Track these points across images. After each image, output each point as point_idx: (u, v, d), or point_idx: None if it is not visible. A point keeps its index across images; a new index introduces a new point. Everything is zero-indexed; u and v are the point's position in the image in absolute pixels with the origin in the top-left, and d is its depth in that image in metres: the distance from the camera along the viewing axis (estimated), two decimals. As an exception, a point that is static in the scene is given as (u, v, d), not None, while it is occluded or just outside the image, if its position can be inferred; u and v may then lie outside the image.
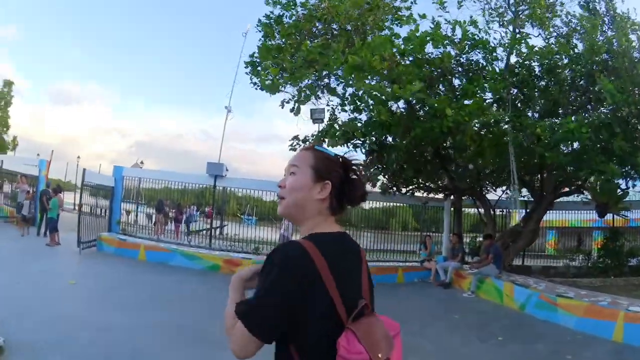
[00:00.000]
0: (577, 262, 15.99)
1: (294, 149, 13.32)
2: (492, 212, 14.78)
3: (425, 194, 15.72)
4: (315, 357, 1.38)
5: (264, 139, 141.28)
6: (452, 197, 15.24)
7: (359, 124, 12.40)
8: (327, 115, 13.88)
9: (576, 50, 12.29)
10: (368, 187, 12.70)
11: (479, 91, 11.30)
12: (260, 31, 12.95)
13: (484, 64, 12.25)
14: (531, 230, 13.32)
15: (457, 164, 14.37)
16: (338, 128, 12.64)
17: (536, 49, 11.89)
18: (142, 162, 32.52)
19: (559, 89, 12.27)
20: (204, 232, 17.75)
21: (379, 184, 13.88)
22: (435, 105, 10.49)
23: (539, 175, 13.85)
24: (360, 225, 17.32)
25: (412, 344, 6.62)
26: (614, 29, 12.14)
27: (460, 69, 12.51)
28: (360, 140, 12.60)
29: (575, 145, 11.32)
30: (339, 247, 1.52)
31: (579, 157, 10.97)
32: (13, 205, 18.44)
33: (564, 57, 12.18)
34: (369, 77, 11.06)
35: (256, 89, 13.58)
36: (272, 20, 12.72)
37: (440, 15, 11.77)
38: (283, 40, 12.54)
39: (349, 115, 13.00)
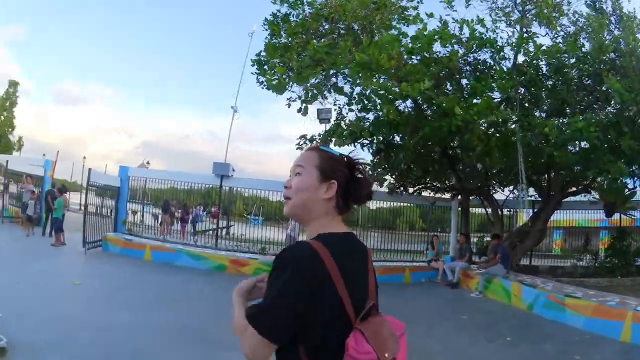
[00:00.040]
0: (585, 262, 15.93)
1: (301, 148, 13.34)
2: (499, 212, 14.74)
3: (432, 194, 15.71)
4: (324, 357, 1.38)
5: (270, 139, 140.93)
6: (459, 197, 15.21)
7: (367, 123, 12.38)
8: (334, 115, 13.85)
9: (584, 50, 12.24)
10: (375, 186, 12.87)
11: (487, 90, 11.24)
12: (266, 29, 12.89)
13: (492, 63, 12.21)
14: (539, 230, 13.28)
15: (465, 164, 14.35)
16: (345, 127, 12.62)
17: (544, 48, 11.83)
18: (148, 162, 32.69)
19: (566, 88, 12.20)
20: (210, 232, 17.71)
21: (386, 183, 13.87)
22: (444, 104, 10.43)
23: (546, 175, 13.81)
24: (367, 225, 17.30)
25: (419, 344, 6.61)
26: (620, 28, 12.10)
27: (468, 68, 12.47)
28: (367, 140, 12.59)
29: (583, 144, 11.28)
30: (346, 247, 1.52)
31: (587, 157, 10.91)
32: (18, 205, 18.44)
33: (571, 56, 12.12)
34: (377, 75, 11.02)
35: (262, 88, 13.47)
36: (279, 19, 12.64)
37: (448, 14, 11.72)
38: (290, 39, 12.50)
39: (356, 114, 12.97)
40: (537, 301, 9.68)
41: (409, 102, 12.25)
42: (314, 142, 13.46)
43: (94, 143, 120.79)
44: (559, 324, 8.64)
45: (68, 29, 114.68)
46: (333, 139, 12.51)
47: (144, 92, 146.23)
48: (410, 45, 10.99)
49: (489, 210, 15.05)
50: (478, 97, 11.03)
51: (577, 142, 11.19)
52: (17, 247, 13.39)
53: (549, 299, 9.36)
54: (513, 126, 11.89)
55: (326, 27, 12.68)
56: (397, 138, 13.03)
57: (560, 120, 11.83)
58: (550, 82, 12.69)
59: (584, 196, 14.01)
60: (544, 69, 12.64)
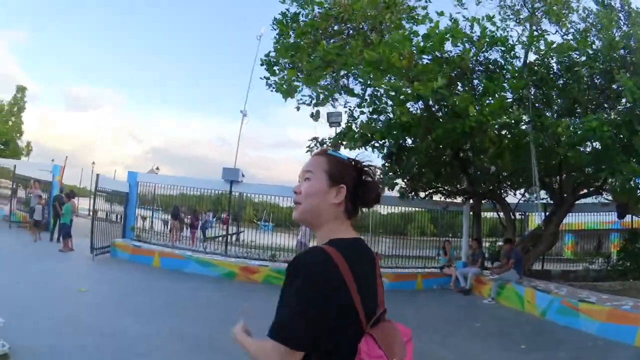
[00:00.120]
0: (597, 266, 15.77)
1: (312, 151, 13.28)
2: (512, 216, 14.64)
3: (443, 198, 15.63)
4: None
5: (279, 144, 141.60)
6: (471, 201, 15.12)
7: (379, 125, 12.28)
8: (344, 117, 13.77)
9: (594, 47, 12.12)
10: (385, 190, 12.80)
11: (499, 90, 11.11)
12: (275, 29, 12.82)
13: (502, 62, 12.10)
14: (551, 233, 13.14)
15: (476, 167, 14.25)
16: (356, 130, 12.57)
17: (554, 45, 11.71)
18: (157, 168, 32.69)
19: (577, 87, 12.07)
20: (220, 238, 17.65)
21: (397, 187, 13.81)
22: (457, 103, 10.32)
23: (557, 177, 13.67)
24: (378, 231, 17.24)
25: (433, 352, 6.61)
26: (629, 24, 12.02)
27: (479, 67, 12.35)
28: (379, 143, 12.54)
29: (595, 144, 11.17)
30: (356, 252, 1.52)
31: (600, 157, 10.81)
32: (26, 210, 18.48)
33: (582, 53, 11.99)
34: (388, 75, 10.92)
35: (272, 91, 13.43)
36: (288, 18, 12.56)
37: (459, 12, 11.65)
38: (299, 39, 12.41)
39: (368, 116, 12.87)
40: (550, 307, 9.57)
41: (420, 104, 12.18)
42: (325, 145, 13.49)
43: (103, 149, 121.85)
44: (572, 329, 8.56)
45: (79, 36, 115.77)
46: (344, 142, 12.48)
47: (154, 98, 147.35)
48: (421, 44, 10.86)
49: (501, 214, 14.93)
50: (490, 98, 10.92)
51: (589, 142, 11.07)
52: (25, 252, 13.37)
53: (562, 304, 9.24)
54: (525, 127, 11.82)
55: (335, 27, 12.62)
56: (409, 141, 12.95)
57: (573, 119, 11.73)
58: (561, 81, 12.56)
59: (595, 198, 13.89)
60: (555, 67, 12.53)
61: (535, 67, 12.19)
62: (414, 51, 10.75)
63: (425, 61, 11.22)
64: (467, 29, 11.38)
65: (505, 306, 10.99)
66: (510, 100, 11.83)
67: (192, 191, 17.24)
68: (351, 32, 12.59)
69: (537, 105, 12.22)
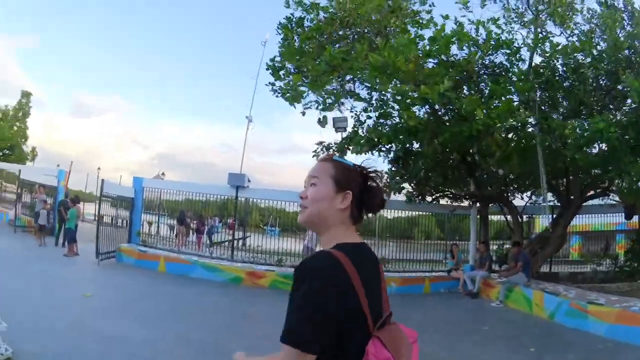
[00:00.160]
0: (604, 267, 15.67)
1: (318, 156, 13.32)
2: (519, 219, 14.58)
3: (450, 202, 15.58)
4: None
5: (284, 150, 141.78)
6: (477, 204, 15.06)
7: (385, 130, 12.25)
8: (350, 122, 13.73)
9: (599, 48, 12.07)
10: (391, 195, 12.79)
11: (506, 93, 11.04)
12: (280, 33, 12.77)
13: (508, 65, 12.03)
14: (559, 235, 13.08)
15: (483, 170, 14.21)
16: (363, 135, 12.55)
17: (560, 47, 11.65)
18: (163, 174, 32.80)
19: (583, 88, 12.02)
20: (226, 243, 17.62)
21: (404, 192, 13.76)
22: (465, 106, 10.27)
23: (564, 179, 13.61)
24: (384, 235, 17.20)
25: (441, 357, 6.61)
26: (633, 24, 11.98)
27: (485, 70, 12.30)
28: (385, 147, 12.51)
29: (603, 146, 11.11)
30: (360, 256, 1.52)
31: (608, 158, 10.75)
32: (31, 215, 18.53)
33: (587, 55, 11.93)
34: (394, 79, 10.86)
35: (277, 96, 13.36)
36: (292, 23, 12.54)
37: (464, 15, 11.63)
38: (304, 44, 12.39)
39: (374, 121, 12.83)
40: (559, 309, 9.54)
41: (426, 108, 12.11)
42: (331, 149, 13.48)
43: (108, 155, 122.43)
44: (581, 332, 8.54)
45: (86, 43, 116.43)
46: (350, 147, 12.46)
47: (158, 104, 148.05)
48: (427, 47, 10.83)
49: (509, 217, 14.87)
50: (497, 100, 10.86)
51: (596, 143, 11.02)
52: (29, 256, 13.36)
53: (571, 307, 9.22)
54: (531, 129, 11.77)
55: (340, 32, 12.59)
56: (416, 145, 12.90)
57: (579, 121, 11.67)
58: (567, 83, 12.50)
59: (602, 200, 13.81)
60: (560, 69, 12.47)
61: (541, 70, 12.13)
62: (420, 55, 10.72)
63: (431, 65, 11.18)
64: (472, 32, 11.33)
65: (513, 309, 10.97)
66: (517, 103, 11.77)
67: (198, 197, 17.22)
68: (356, 37, 12.54)
69: (543, 107, 12.16)
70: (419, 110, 12.01)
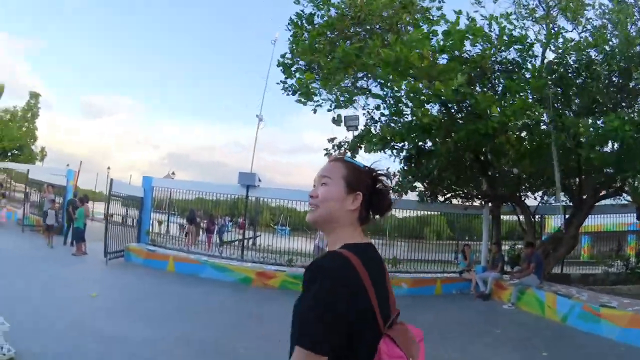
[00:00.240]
0: (615, 269, 15.49)
1: (330, 154, 13.23)
2: (532, 219, 14.42)
3: (461, 202, 15.46)
4: None
5: (295, 149, 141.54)
6: (490, 204, 14.93)
7: (398, 127, 12.14)
8: (362, 120, 13.67)
9: (611, 44, 11.91)
10: (403, 194, 12.73)
11: (520, 90, 10.93)
12: (289, 30, 12.71)
13: (520, 61, 11.88)
14: (572, 236, 12.87)
15: (496, 169, 14.08)
16: (375, 133, 12.47)
17: (572, 43, 11.49)
18: (173, 173, 32.97)
19: (596, 85, 11.87)
20: (237, 242, 17.61)
21: (416, 191, 13.66)
22: (480, 102, 10.14)
23: (577, 179, 13.44)
24: (394, 235, 17.14)
25: (453, 358, 6.54)
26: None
27: (498, 67, 12.15)
28: (398, 145, 12.43)
29: (616, 144, 10.96)
30: (368, 256, 1.52)
31: (623, 157, 10.59)
32: (39, 214, 18.57)
33: (600, 50, 11.76)
34: (407, 76, 10.74)
35: (288, 94, 13.32)
36: (303, 19, 12.46)
37: (476, 10, 11.50)
38: (315, 41, 12.25)
39: (388, 119, 12.77)
40: (571, 312, 9.43)
41: (440, 106, 12.03)
42: (342, 147, 13.43)
43: (119, 155, 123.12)
44: (593, 335, 8.45)
45: (95, 44, 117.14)
46: (362, 145, 12.39)
47: (171, 104, 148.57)
48: (441, 43, 10.68)
49: (521, 217, 14.72)
50: (512, 97, 10.74)
51: (610, 141, 10.87)
52: (37, 255, 13.37)
53: (583, 310, 9.11)
54: (544, 127, 11.64)
55: (351, 31, 12.50)
56: (429, 144, 12.83)
57: (592, 119, 11.52)
58: (580, 80, 12.34)
59: (614, 199, 13.64)
60: (573, 66, 12.32)
61: (554, 66, 11.98)
62: (435, 49, 10.61)
63: (444, 61, 11.06)
64: (485, 28, 11.20)
65: (525, 311, 10.85)
66: (531, 100, 11.64)
67: (208, 196, 17.18)
68: (367, 34, 12.44)
69: (556, 104, 12.01)
70: (433, 107, 11.91)
